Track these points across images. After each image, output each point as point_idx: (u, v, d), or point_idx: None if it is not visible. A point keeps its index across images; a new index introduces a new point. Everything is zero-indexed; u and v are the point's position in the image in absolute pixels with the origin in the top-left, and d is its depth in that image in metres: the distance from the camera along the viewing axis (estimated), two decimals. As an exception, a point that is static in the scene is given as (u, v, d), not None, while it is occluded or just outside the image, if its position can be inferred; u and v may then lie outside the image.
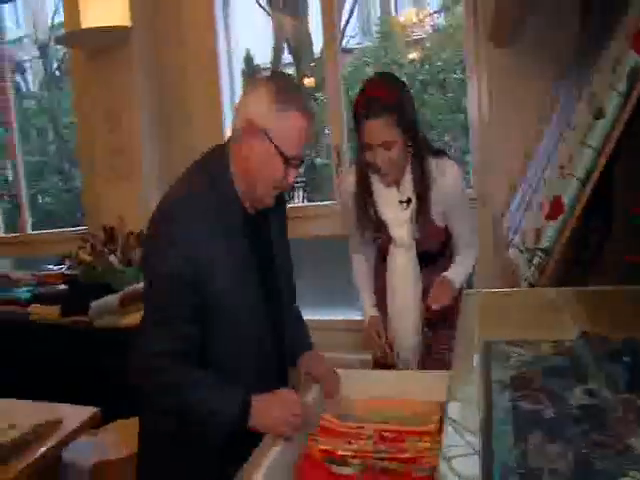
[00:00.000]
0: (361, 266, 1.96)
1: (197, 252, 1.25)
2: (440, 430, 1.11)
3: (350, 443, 1.11)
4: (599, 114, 1.50)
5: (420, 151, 1.70)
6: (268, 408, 1.22)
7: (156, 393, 1.30)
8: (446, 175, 1.71)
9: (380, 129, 1.59)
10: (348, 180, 1.83)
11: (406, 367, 1.81)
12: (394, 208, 1.74)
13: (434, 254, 1.83)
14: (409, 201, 1.72)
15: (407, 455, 1.04)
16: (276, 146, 1.27)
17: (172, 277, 1.25)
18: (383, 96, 1.60)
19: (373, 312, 1.90)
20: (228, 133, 2.93)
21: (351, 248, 1.98)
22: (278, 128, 1.26)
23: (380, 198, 1.76)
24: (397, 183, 1.74)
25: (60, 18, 5.26)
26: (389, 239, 1.78)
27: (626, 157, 1.54)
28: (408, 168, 1.71)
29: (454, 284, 1.75)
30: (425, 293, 1.78)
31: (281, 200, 1.49)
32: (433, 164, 1.71)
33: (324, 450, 1.09)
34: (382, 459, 1.04)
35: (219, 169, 1.34)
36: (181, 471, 1.36)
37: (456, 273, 1.78)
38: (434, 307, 1.64)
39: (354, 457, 1.06)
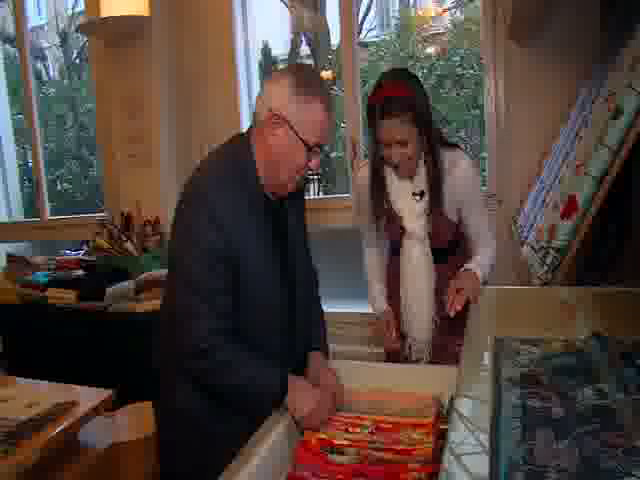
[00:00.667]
0: (373, 259, 1.97)
1: (230, 227, 1.30)
2: (436, 423, 1.12)
3: (347, 433, 1.13)
4: (617, 113, 1.49)
5: (434, 145, 1.70)
6: (305, 394, 1.27)
7: (211, 373, 1.34)
8: (458, 167, 1.70)
9: (397, 128, 1.60)
10: (362, 173, 1.84)
11: (420, 359, 1.82)
12: (408, 200, 1.75)
13: (444, 250, 1.81)
14: (422, 194, 1.72)
15: (402, 447, 1.05)
16: (298, 135, 1.31)
17: (211, 251, 1.30)
18: (400, 95, 1.61)
19: (384, 305, 1.91)
20: (245, 122, 2.95)
21: (364, 242, 1.98)
22: (300, 117, 1.31)
23: (394, 190, 1.77)
24: (411, 175, 1.74)
25: (80, 7, 5.29)
26: (402, 231, 1.79)
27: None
28: (421, 161, 1.72)
29: (479, 276, 1.70)
30: (435, 289, 1.78)
31: (299, 191, 1.52)
32: (446, 157, 1.71)
33: (321, 439, 1.11)
34: (378, 449, 1.06)
35: (244, 156, 1.38)
36: (202, 451, 1.40)
37: (478, 265, 1.74)
38: (451, 314, 1.61)
39: (350, 446, 1.08)
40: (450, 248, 1.83)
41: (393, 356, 1.89)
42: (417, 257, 1.77)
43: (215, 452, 1.26)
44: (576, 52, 2.40)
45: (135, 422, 1.67)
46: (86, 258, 3.20)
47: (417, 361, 1.83)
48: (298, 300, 1.48)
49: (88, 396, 1.53)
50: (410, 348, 1.83)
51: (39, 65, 7.54)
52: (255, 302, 1.38)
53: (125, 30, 3.17)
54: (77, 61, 7.71)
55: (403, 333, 1.84)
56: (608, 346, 0.98)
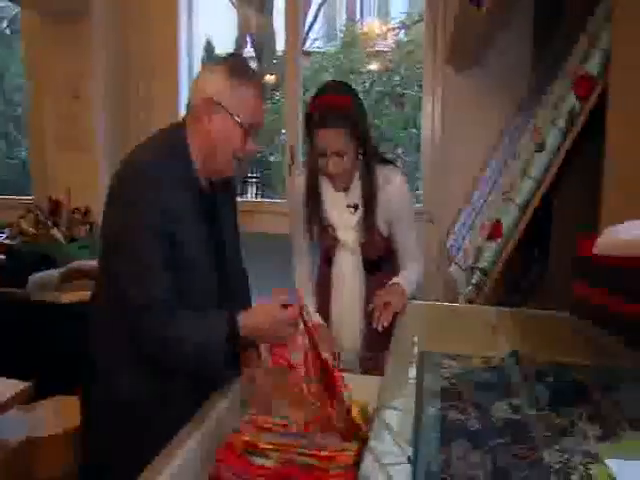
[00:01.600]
0: (303, 270, 1.97)
1: (167, 205, 1.34)
2: (362, 428, 1.15)
3: (273, 436, 1.14)
4: (540, 147, 1.59)
5: (369, 159, 1.74)
6: (254, 313, 1.35)
7: (163, 326, 1.34)
8: (392, 183, 1.75)
9: (335, 138, 1.63)
10: (299, 182, 1.85)
11: (349, 368, 1.83)
12: (341, 212, 1.78)
13: (375, 262, 1.85)
14: (356, 206, 1.76)
15: (325, 453, 1.07)
16: (234, 118, 1.39)
17: (148, 228, 1.33)
18: (340, 106, 1.65)
19: (317, 320, 1.88)
20: (183, 113, 2.91)
21: (295, 252, 1.98)
22: (235, 102, 1.38)
23: (328, 201, 1.79)
24: (346, 188, 1.78)
25: None
26: (335, 242, 1.82)
27: (565, 189, 1.63)
28: (357, 174, 1.76)
29: (405, 290, 1.74)
30: (371, 297, 1.78)
31: (229, 183, 1.59)
32: (381, 172, 1.76)
33: (246, 441, 1.12)
34: (302, 454, 1.07)
35: (179, 142, 1.43)
36: (132, 440, 1.39)
37: (405, 280, 1.78)
38: (379, 329, 1.64)
39: (275, 450, 1.09)
40: (380, 262, 1.86)
41: None
42: (349, 269, 1.81)
43: (153, 438, 1.26)
44: (508, 84, 2.54)
45: (53, 416, 1.61)
46: (8, 242, 3.04)
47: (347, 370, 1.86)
48: (229, 287, 1.50)
49: (3, 388, 1.46)
50: (339, 358, 1.85)
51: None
52: (194, 285, 1.41)
53: (64, 7, 3.04)
54: (7, 31, 7.28)
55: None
56: (523, 364, 1.04)
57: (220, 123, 1.40)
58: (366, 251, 1.81)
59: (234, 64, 1.44)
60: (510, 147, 2.03)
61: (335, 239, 1.80)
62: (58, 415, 1.65)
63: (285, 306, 1.35)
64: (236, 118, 1.39)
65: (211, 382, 1.40)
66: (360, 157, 1.72)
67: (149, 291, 1.33)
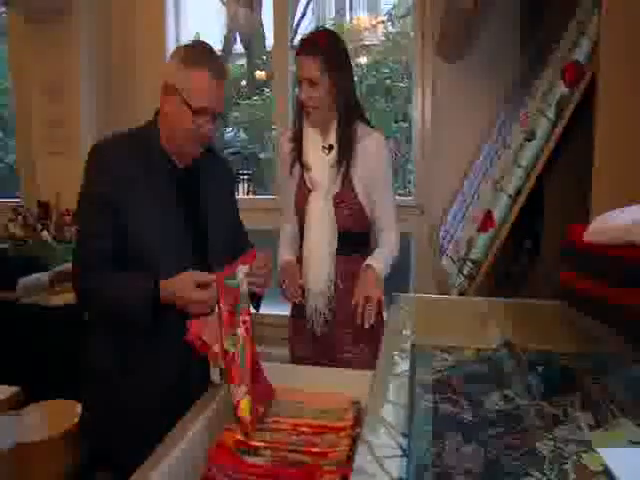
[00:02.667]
0: (287, 233, 2.00)
1: (118, 174, 1.43)
2: (354, 426, 1.15)
3: (266, 434, 1.13)
4: (530, 136, 1.59)
5: (349, 110, 1.80)
6: (175, 279, 1.38)
7: (90, 293, 1.45)
8: (370, 139, 1.80)
9: (308, 65, 1.73)
10: (285, 136, 1.94)
11: (314, 314, 1.85)
12: (317, 153, 1.83)
13: (356, 238, 1.85)
14: (331, 147, 1.81)
15: (318, 449, 1.06)
16: (183, 99, 1.44)
17: (93, 196, 1.45)
18: (315, 39, 1.77)
19: (288, 258, 1.93)
20: None
21: (282, 218, 2.02)
22: (184, 83, 1.44)
23: (307, 143, 1.85)
24: (325, 131, 1.82)
25: None
26: (309, 190, 1.85)
27: (555, 179, 1.63)
28: (335, 121, 1.80)
29: (380, 274, 1.75)
30: (344, 277, 1.82)
31: (219, 161, 1.69)
32: (361, 128, 1.82)
33: (238, 440, 1.11)
34: (294, 451, 1.07)
35: (149, 126, 1.54)
36: (120, 414, 1.47)
37: (379, 260, 1.78)
38: (365, 326, 1.64)
39: (266, 448, 1.08)
40: (356, 241, 1.86)
41: (297, 310, 1.92)
42: (320, 208, 1.82)
43: (120, 406, 1.39)
44: (497, 74, 2.54)
45: (44, 421, 1.59)
46: (-5, 245, 3.02)
47: (313, 323, 1.85)
48: (212, 268, 1.48)
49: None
50: (305, 294, 1.85)
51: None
52: (156, 263, 1.45)
53: (49, 9, 3.02)
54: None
55: (303, 286, 1.86)
56: (516, 355, 1.04)
57: (173, 105, 1.46)
58: (340, 208, 1.81)
59: (190, 49, 1.50)
60: (500, 136, 2.03)
61: (309, 189, 1.84)
62: (50, 419, 1.63)
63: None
64: (187, 100, 1.43)
65: (173, 354, 1.45)
66: (337, 98, 1.77)
67: (81, 253, 1.45)
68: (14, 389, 1.49)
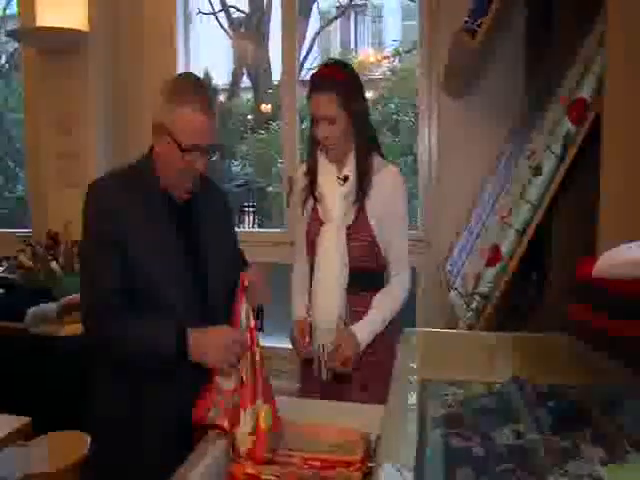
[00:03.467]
0: (299, 273, 1.98)
1: (116, 208, 1.42)
2: (364, 460, 1.14)
3: (276, 468, 1.12)
4: (537, 172, 1.61)
5: (365, 142, 1.79)
6: (206, 336, 1.37)
7: (106, 341, 1.43)
8: (387, 171, 1.80)
9: (324, 103, 1.71)
10: (300, 171, 1.94)
11: (321, 353, 1.84)
12: (332, 184, 1.81)
13: (368, 277, 1.82)
14: (346, 178, 1.79)
15: None
16: (172, 138, 1.41)
17: (96, 234, 1.44)
18: (330, 75, 1.75)
19: (301, 315, 1.92)
20: None
21: (295, 250, 2.01)
22: (171, 122, 1.41)
23: (321, 173, 1.84)
24: (340, 162, 1.81)
25: (13, 9, 5.04)
26: (322, 223, 1.82)
27: (562, 213, 1.64)
28: (352, 153, 1.80)
29: (358, 342, 1.74)
30: (356, 317, 1.80)
31: (217, 192, 1.68)
32: (377, 160, 1.81)
33: (248, 473, 1.10)
34: None
35: (145, 162, 1.52)
36: (136, 456, 1.45)
37: (367, 323, 1.78)
38: (338, 371, 1.71)
39: None
40: (369, 280, 1.83)
41: (306, 364, 1.91)
42: (332, 241, 1.79)
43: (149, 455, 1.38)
44: (503, 108, 2.58)
45: (54, 452, 1.58)
46: (5, 275, 3.04)
47: (320, 364, 1.84)
48: (211, 301, 1.51)
49: (1, 423, 1.44)
50: (313, 334, 1.85)
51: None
52: (156, 296, 1.44)
53: (61, 44, 3.08)
54: (6, 67, 7.36)
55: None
56: (525, 389, 1.04)
57: (163, 144, 1.44)
58: (352, 241, 1.78)
59: (175, 83, 1.49)
60: (506, 171, 2.05)
61: (322, 221, 1.81)
62: (59, 451, 1.62)
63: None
64: (175, 139, 1.41)
65: (188, 396, 1.39)
66: (354, 133, 1.76)
67: (92, 293, 1.41)
68: (24, 420, 1.48)
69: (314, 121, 1.76)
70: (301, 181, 1.92)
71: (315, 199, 1.85)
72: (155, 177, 1.49)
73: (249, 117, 6.11)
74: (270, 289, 1.54)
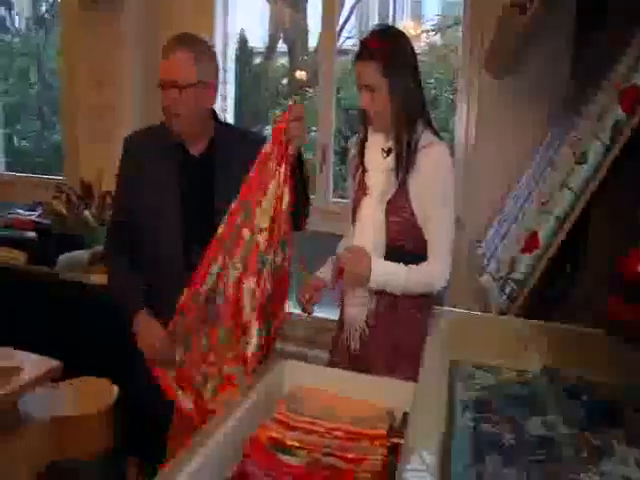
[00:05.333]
0: (343, 244, 1.97)
1: (136, 158, 1.72)
2: (388, 436, 1.14)
3: (299, 434, 1.13)
4: (582, 159, 1.56)
5: (408, 115, 1.71)
6: (142, 329, 1.63)
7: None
8: (434, 149, 1.71)
9: (365, 71, 1.69)
10: (353, 140, 1.93)
11: (351, 328, 1.81)
12: (377, 155, 1.78)
13: (407, 258, 1.71)
14: (390, 151, 1.75)
15: (352, 455, 1.06)
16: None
17: (119, 177, 1.77)
18: (374, 41, 1.70)
19: (320, 274, 1.92)
20: (218, 106, 3.02)
21: (345, 221, 1.98)
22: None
23: (368, 145, 1.81)
24: (388, 134, 1.75)
25: None
26: (364, 194, 1.80)
27: (603, 204, 1.60)
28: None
29: (372, 273, 1.66)
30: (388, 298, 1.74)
31: (246, 142, 1.76)
32: (425, 134, 1.73)
33: (272, 437, 1.11)
34: (328, 455, 1.06)
35: None
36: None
37: (387, 264, 1.69)
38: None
39: (301, 448, 1.08)
40: (406, 257, 1.71)
41: (337, 334, 1.91)
42: (371, 214, 1.76)
43: None
44: (546, 92, 2.50)
45: (82, 397, 1.61)
46: (40, 220, 3.06)
47: (350, 337, 1.82)
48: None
49: (33, 364, 1.46)
50: (343, 313, 1.84)
51: (3, 12, 7.11)
52: (142, 229, 1.69)
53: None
54: (47, 16, 7.33)
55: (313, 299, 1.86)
56: (558, 381, 1.03)
57: None
58: (391, 216, 1.72)
59: (176, 36, 1.71)
60: (547, 156, 2.00)
61: (366, 192, 1.79)
62: (84, 395, 1.65)
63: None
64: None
65: None
66: (399, 104, 1.69)
67: (110, 221, 1.86)
68: (56, 363, 1.50)
69: (358, 89, 1.73)
70: (353, 150, 1.90)
71: (363, 170, 1.82)
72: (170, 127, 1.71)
73: (283, 82, 6.04)
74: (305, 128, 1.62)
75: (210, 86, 1.72)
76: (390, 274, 1.68)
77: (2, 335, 1.94)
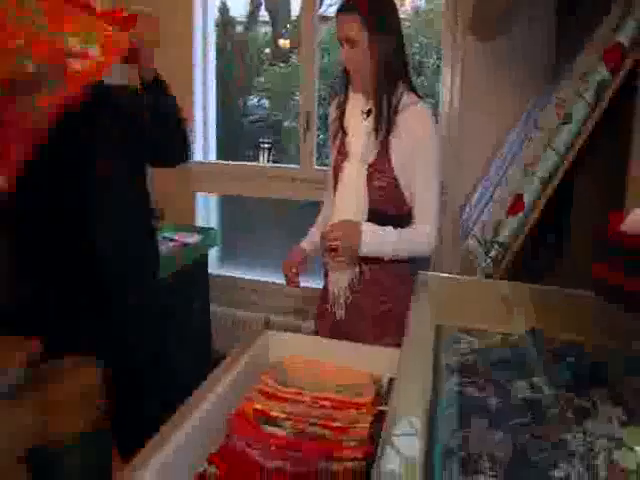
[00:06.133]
0: (324, 210, 1.96)
1: None
2: (374, 403, 1.14)
3: (284, 405, 1.12)
4: (566, 119, 1.54)
5: (389, 73, 1.67)
6: None
7: None
8: (415, 109, 1.67)
9: (346, 24, 1.65)
10: (333, 103, 1.87)
11: (335, 296, 1.80)
12: (357, 118, 1.74)
13: (388, 222, 1.68)
14: (370, 112, 1.71)
15: (338, 424, 1.05)
16: None
17: None
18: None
19: (303, 244, 1.91)
20: (197, 74, 2.96)
21: (325, 187, 1.97)
22: None
23: (348, 108, 1.77)
24: (367, 96, 1.72)
25: None
26: (345, 158, 1.76)
27: (589, 163, 1.59)
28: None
29: (360, 231, 1.62)
30: (371, 262, 1.71)
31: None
32: (406, 95, 1.70)
33: (257, 409, 1.10)
34: (314, 425, 1.06)
35: None
36: None
37: (377, 228, 1.65)
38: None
39: (286, 419, 1.07)
40: (388, 223, 1.68)
41: (322, 302, 1.89)
42: (352, 176, 1.72)
43: None
44: (531, 57, 2.46)
45: (64, 376, 1.58)
46: None
47: (334, 305, 1.81)
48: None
49: (10, 345, 1.44)
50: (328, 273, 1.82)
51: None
52: None
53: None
54: None
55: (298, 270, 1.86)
56: (542, 342, 1.02)
57: None
58: (372, 180, 1.68)
59: None
60: (532, 119, 1.97)
61: (346, 154, 1.75)
62: (71, 374, 1.61)
63: None
64: None
65: None
66: (380, 61, 1.65)
67: None
68: (34, 343, 1.45)
69: (340, 43, 1.69)
70: (333, 113, 1.85)
71: (343, 133, 1.77)
72: None
73: (267, 51, 5.96)
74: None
75: None
76: (380, 238, 1.65)
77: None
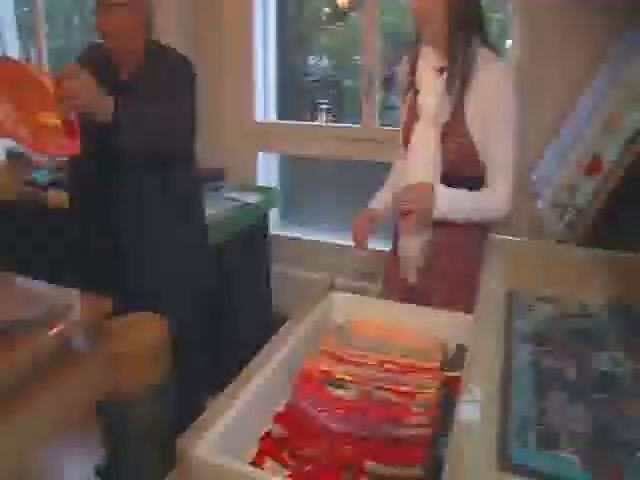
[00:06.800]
0: (395, 170, 1.89)
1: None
2: (441, 369, 1.11)
3: (350, 367, 1.11)
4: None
5: (462, 27, 1.57)
6: None
7: None
8: (492, 69, 1.57)
9: None
10: (404, 60, 1.78)
11: (405, 260, 1.75)
12: (429, 75, 1.64)
13: (465, 184, 1.60)
14: (442, 69, 1.61)
15: (406, 389, 1.03)
16: None
17: None
18: None
19: (374, 204, 1.85)
20: (258, 34, 2.90)
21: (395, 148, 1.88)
22: None
23: (421, 64, 1.67)
24: (441, 51, 1.62)
25: None
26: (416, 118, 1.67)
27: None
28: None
29: (433, 196, 1.56)
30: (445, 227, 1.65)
31: (167, 64, 1.77)
32: (483, 52, 1.59)
33: (323, 371, 1.09)
34: (379, 388, 1.04)
35: None
36: None
37: (451, 190, 1.58)
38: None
39: (352, 382, 1.06)
40: (463, 185, 1.61)
41: (392, 265, 1.84)
42: (424, 137, 1.63)
43: None
44: (609, 4, 2.28)
45: (135, 333, 1.63)
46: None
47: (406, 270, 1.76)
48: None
49: (86, 301, 1.48)
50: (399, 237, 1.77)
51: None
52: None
53: None
54: None
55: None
56: (626, 314, 0.96)
57: None
58: (447, 141, 1.60)
59: None
60: (615, 72, 1.84)
61: (417, 114, 1.66)
62: (140, 332, 1.66)
63: None
64: None
65: None
66: (449, 21, 1.56)
67: None
68: (107, 300, 1.48)
69: None
70: (403, 69, 1.76)
71: (415, 92, 1.68)
72: (109, 54, 1.73)
73: (326, 10, 5.83)
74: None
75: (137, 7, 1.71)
76: (454, 202, 1.58)
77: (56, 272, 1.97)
